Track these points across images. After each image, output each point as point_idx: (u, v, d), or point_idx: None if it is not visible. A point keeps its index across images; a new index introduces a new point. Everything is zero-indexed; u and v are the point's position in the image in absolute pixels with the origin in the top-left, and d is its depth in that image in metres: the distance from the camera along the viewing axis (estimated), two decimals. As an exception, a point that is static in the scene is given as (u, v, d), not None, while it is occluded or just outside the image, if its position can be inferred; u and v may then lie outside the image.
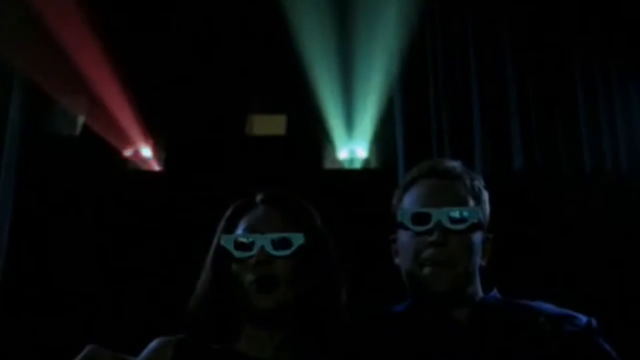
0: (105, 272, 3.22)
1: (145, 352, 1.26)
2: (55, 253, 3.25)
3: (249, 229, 1.28)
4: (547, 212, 3.33)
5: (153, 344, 1.27)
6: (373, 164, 3.67)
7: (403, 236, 1.43)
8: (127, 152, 3.64)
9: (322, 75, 3.54)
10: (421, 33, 3.59)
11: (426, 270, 1.37)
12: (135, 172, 3.65)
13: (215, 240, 1.31)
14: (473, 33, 3.61)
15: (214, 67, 3.63)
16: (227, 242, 1.27)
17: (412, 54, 3.55)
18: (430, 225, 1.37)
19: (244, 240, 1.26)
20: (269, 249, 1.24)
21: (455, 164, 1.47)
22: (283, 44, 3.47)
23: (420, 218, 1.39)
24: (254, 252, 1.24)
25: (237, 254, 1.25)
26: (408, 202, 1.44)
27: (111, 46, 3.43)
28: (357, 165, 3.67)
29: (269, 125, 3.81)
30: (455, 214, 1.37)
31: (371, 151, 3.68)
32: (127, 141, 3.62)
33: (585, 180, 3.43)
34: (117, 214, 3.36)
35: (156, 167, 3.68)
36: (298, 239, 1.26)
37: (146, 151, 3.66)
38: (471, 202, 1.41)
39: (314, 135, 3.66)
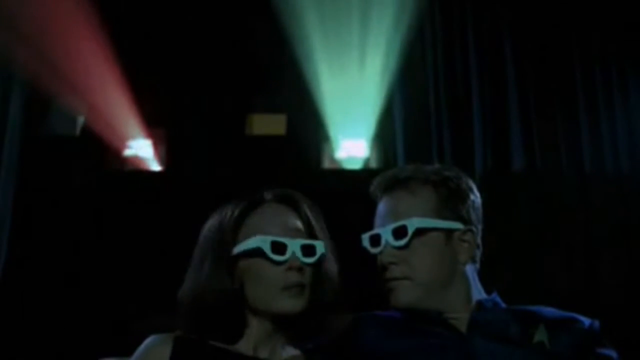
0: (105, 272, 3.22)
1: (140, 350, 1.24)
2: (55, 253, 3.25)
3: (282, 232, 1.25)
4: (546, 212, 3.33)
5: (148, 341, 1.25)
6: (373, 164, 3.66)
7: None
8: (127, 152, 3.64)
9: (322, 75, 3.54)
10: (421, 33, 3.60)
11: (388, 287, 1.39)
12: (135, 172, 3.65)
13: (219, 236, 1.27)
14: (473, 33, 3.62)
15: (214, 67, 3.63)
16: (262, 242, 1.23)
17: (412, 53, 3.55)
18: (380, 247, 1.39)
19: (280, 243, 1.23)
20: (299, 254, 1.23)
21: (405, 172, 1.45)
22: (283, 44, 3.47)
23: (373, 240, 1.42)
24: (287, 256, 1.23)
25: (275, 257, 1.22)
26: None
27: (111, 46, 3.43)
28: (357, 165, 3.66)
29: (269, 125, 3.80)
30: (396, 229, 1.38)
31: (371, 151, 3.67)
32: (127, 141, 3.62)
33: (585, 180, 3.43)
34: (117, 213, 3.36)
35: (156, 167, 3.67)
36: (321, 246, 1.26)
37: (146, 151, 3.66)
38: (417, 208, 1.39)
39: (313, 135, 3.66)
